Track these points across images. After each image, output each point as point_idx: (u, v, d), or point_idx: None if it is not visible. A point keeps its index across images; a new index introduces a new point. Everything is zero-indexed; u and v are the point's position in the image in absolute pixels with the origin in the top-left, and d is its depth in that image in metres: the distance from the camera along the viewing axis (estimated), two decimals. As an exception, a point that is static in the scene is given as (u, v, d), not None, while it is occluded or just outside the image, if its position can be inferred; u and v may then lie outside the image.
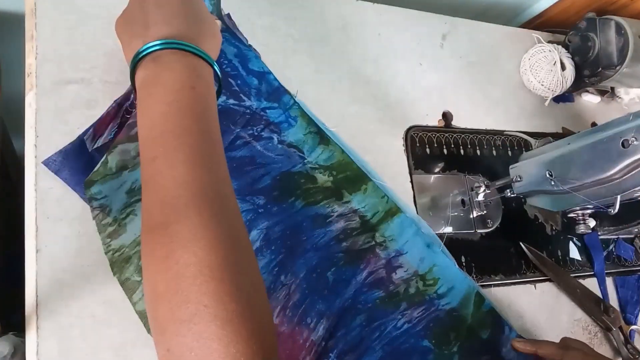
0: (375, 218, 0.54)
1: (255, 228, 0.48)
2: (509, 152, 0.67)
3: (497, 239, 0.62)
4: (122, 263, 0.43)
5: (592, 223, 0.56)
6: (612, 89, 0.78)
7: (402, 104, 0.63)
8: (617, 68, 0.68)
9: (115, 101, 0.46)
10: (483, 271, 0.58)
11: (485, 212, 0.61)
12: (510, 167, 0.59)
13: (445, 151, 0.63)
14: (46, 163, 0.43)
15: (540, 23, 0.85)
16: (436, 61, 0.67)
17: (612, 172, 0.47)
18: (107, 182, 0.44)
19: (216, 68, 0.38)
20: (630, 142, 0.45)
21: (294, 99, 0.53)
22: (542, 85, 0.70)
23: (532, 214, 0.66)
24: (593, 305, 0.63)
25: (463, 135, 0.65)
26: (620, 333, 0.62)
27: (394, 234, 0.54)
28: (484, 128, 0.66)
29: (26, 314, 0.41)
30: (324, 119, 0.57)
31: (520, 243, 0.63)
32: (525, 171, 0.56)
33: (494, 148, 0.66)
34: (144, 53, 0.35)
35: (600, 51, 0.69)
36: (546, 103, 0.72)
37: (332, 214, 0.52)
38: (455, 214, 0.60)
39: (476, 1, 0.83)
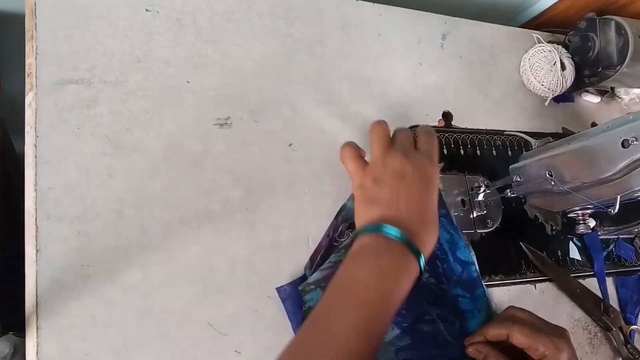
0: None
1: None
2: (509, 152, 0.67)
3: (497, 239, 0.62)
4: None
5: (592, 223, 0.56)
6: (612, 89, 0.78)
7: (402, 104, 0.63)
8: (617, 68, 0.68)
9: (327, 234, 0.53)
10: (483, 271, 0.58)
11: (485, 212, 0.61)
12: (510, 167, 0.59)
13: (445, 151, 0.63)
14: (278, 290, 0.49)
15: (540, 23, 0.85)
16: (436, 61, 0.67)
17: (612, 172, 0.47)
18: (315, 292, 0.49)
19: (422, 266, 0.41)
20: (630, 142, 0.45)
21: (486, 294, 0.56)
22: (542, 85, 0.70)
23: (532, 214, 0.66)
24: (593, 305, 0.63)
25: (463, 135, 0.65)
26: (620, 333, 0.62)
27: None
28: (484, 128, 0.66)
29: (26, 314, 0.41)
30: (325, 119, 0.57)
31: (520, 243, 0.63)
32: (525, 171, 0.56)
33: (494, 148, 0.66)
34: (378, 229, 0.41)
35: (600, 51, 0.69)
36: (546, 103, 0.72)
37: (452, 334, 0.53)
38: (455, 214, 0.60)
39: (476, 1, 0.83)
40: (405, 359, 0.50)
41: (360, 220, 0.44)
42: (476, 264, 0.56)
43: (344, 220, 0.54)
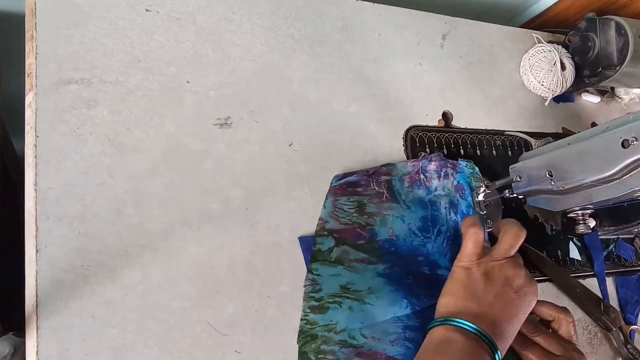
0: None
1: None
2: (509, 152, 0.67)
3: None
4: (308, 337, 0.48)
5: (592, 223, 0.56)
6: (612, 89, 0.78)
7: (402, 104, 0.63)
8: (617, 68, 0.67)
9: (366, 171, 0.56)
10: (483, 271, 0.58)
11: (485, 212, 0.61)
12: (510, 167, 0.59)
13: (445, 151, 0.63)
14: (300, 240, 0.51)
15: (540, 23, 0.85)
16: (436, 61, 0.67)
17: (612, 172, 0.47)
18: (325, 266, 0.51)
19: None
20: (630, 142, 0.45)
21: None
22: (542, 85, 0.70)
23: (532, 214, 0.66)
24: (593, 305, 0.63)
25: (463, 135, 0.65)
26: (620, 333, 0.62)
27: None
28: (484, 128, 0.66)
29: (26, 314, 0.41)
30: (325, 118, 0.57)
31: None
32: (525, 171, 0.56)
33: (494, 148, 0.66)
34: (465, 325, 0.43)
35: (600, 51, 0.69)
36: (546, 103, 0.72)
37: None
38: (455, 214, 0.60)
39: (476, 1, 0.83)
40: (412, 339, 0.51)
41: (449, 302, 0.46)
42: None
43: (385, 174, 0.57)
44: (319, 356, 0.47)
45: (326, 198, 0.54)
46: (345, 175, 0.55)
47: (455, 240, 0.57)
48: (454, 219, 0.58)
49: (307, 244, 0.52)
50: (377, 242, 0.54)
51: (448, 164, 0.60)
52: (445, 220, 0.58)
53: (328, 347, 0.48)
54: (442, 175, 0.59)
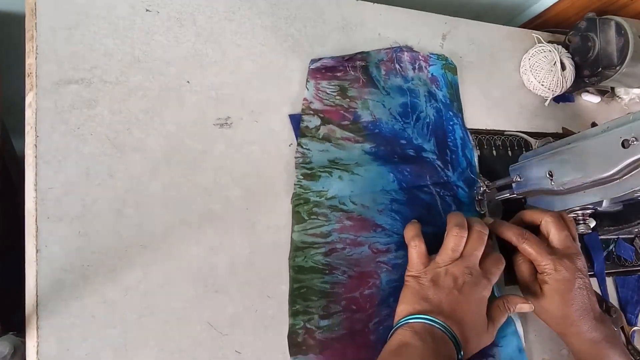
0: None
1: (403, 250, 0.53)
2: (509, 152, 0.67)
3: (497, 239, 0.62)
4: (301, 200, 0.51)
5: (592, 223, 0.56)
6: (612, 89, 0.78)
7: (402, 104, 0.62)
8: (617, 68, 0.67)
9: (342, 58, 0.59)
10: (483, 271, 0.58)
11: (485, 212, 0.61)
12: (510, 167, 0.59)
13: (445, 151, 0.63)
14: (291, 117, 0.54)
15: (540, 23, 0.85)
16: (436, 61, 0.67)
17: (612, 172, 0.47)
18: (314, 142, 0.54)
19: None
20: (630, 142, 0.45)
21: (484, 196, 0.61)
22: (542, 85, 0.70)
23: (532, 214, 0.66)
24: (594, 305, 0.63)
25: (463, 135, 0.65)
26: (622, 334, 0.62)
27: None
28: (484, 128, 0.66)
29: (26, 314, 0.41)
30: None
31: None
32: (525, 171, 0.56)
33: (494, 148, 0.66)
34: (419, 319, 0.46)
35: (600, 51, 0.69)
36: (546, 103, 0.72)
37: None
38: (455, 214, 0.60)
39: (476, 1, 0.83)
40: (398, 211, 0.55)
41: (404, 308, 0.48)
42: (477, 167, 0.63)
43: (360, 60, 0.60)
44: (312, 217, 0.51)
45: (307, 81, 0.57)
46: (322, 58, 0.58)
47: (435, 128, 0.61)
48: (434, 106, 0.62)
49: (297, 120, 0.55)
50: (361, 123, 0.57)
51: (420, 57, 0.64)
52: (425, 107, 0.62)
53: (320, 210, 0.52)
54: (416, 67, 0.63)
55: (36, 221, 0.42)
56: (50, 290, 0.41)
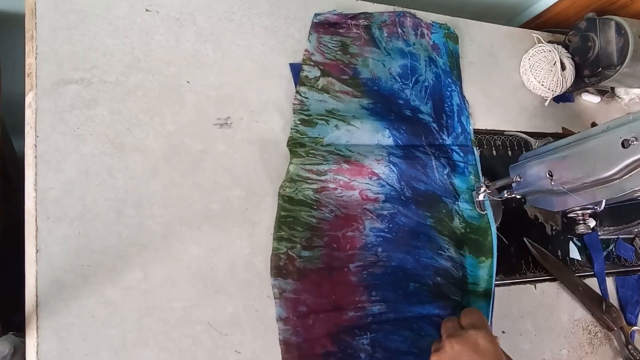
0: (472, 287, 0.57)
1: (391, 202, 0.55)
2: (509, 152, 0.67)
3: (497, 239, 0.62)
4: (297, 144, 0.52)
5: (592, 223, 0.56)
6: (612, 89, 0.78)
7: (402, 104, 0.62)
8: (617, 68, 0.67)
9: (346, 15, 0.60)
10: (483, 271, 0.58)
11: (485, 212, 0.61)
12: (510, 167, 0.59)
13: (445, 151, 0.63)
14: (291, 65, 0.56)
15: (540, 23, 0.85)
16: (436, 61, 0.67)
17: (612, 172, 0.47)
18: (312, 91, 0.55)
19: None
20: (630, 142, 0.45)
21: (477, 163, 0.62)
22: (542, 85, 0.70)
23: (532, 214, 0.66)
24: (595, 304, 0.63)
25: (463, 135, 0.65)
26: (622, 333, 0.62)
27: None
28: (484, 128, 0.66)
29: (26, 314, 0.41)
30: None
31: (524, 239, 0.63)
32: (525, 171, 0.56)
33: (494, 148, 0.66)
34: None
35: (600, 51, 0.69)
36: (546, 103, 0.72)
37: (446, 252, 0.57)
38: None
39: (476, 1, 0.83)
40: (395, 163, 0.56)
41: None
42: (472, 134, 0.64)
43: (364, 19, 0.61)
44: (309, 155, 0.52)
45: (310, 33, 0.58)
46: (325, 13, 0.59)
47: (433, 92, 0.62)
48: (433, 71, 0.63)
49: (297, 69, 0.56)
50: (361, 79, 0.59)
51: (422, 24, 0.65)
52: (424, 71, 0.63)
53: (317, 152, 0.53)
54: (418, 34, 0.65)
55: (36, 221, 0.42)
56: (50, 290, 0.41)
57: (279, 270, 0.49)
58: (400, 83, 0.61)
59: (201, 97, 0.52)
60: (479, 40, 0.71)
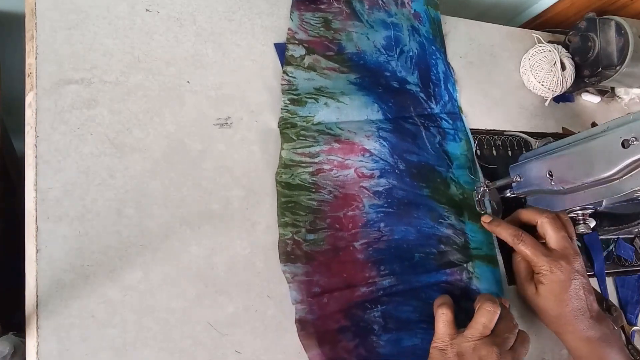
0: (475, 252, 0.57)
1: (385, 178, 0.55)
2: (509, 152, 0.67)
3: (496, 239, 0.62)
4: (288, 124, 0.53)
5: (592, 223, 0.56)
6: (612, 89, 0.78)
7: (402, 104, 0.62)
8: (617, 68, 0.68)
9: None
10: (483, 271, 0.58)
11: (485, 212, 0.61)
12: (510, 167, 0.59)
13: (445, 151, 0.63)
14: (276, 45, 0.56)
15: (540, 23, 0.85)
16: (436, 61, 0.66)
17: (612, 172, 0.47)
18: (299, 70, 0.55)
19: None
20: (630, 142, 0.45)
21: (466, 129, 0.63)
22: (542, 85, 0.70)
23: (532, 214, 0.66)
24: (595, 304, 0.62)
25: (463, 135, 0.65)
26: (622, 333, 0.62)
27: (482, 277, 0.57)
28: (483, 128, 0.66)
29: (26, 314, 0.41)
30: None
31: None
32: (525, 171, 0.56)
33: (494, 148, 0.66)
34: None
35: (600, 51, 0.69)
36: (546, 103, 0.72)
37: (446, 220, 0.57)
38: (455, 213, 0.60)
39: (476, 1, 0.83)
40: (385, 137, 0.56)
41: None
42: (459, 102, 0.65)
43: None
44: (300, 137, 0.52)
45: (291, 12, 0.58)
46: None
47: (418, 62, 0.63)
48: (417, 40, 0.64)
49: (282, 49, 0.56)
50: (346, 54, 0.59)
51: None
52: (408, 41, 0.63)
53: (308, 133, 0.53)
54: (399, 3, 0.65)
55: (36, 221, 0.42)
56: (50, 290, 0.41)
57: (287, 255, 0.49)
58: (386, 55, 0.61)
59: (201, 97, 0.52)
60: (479, 40, 0.71)
